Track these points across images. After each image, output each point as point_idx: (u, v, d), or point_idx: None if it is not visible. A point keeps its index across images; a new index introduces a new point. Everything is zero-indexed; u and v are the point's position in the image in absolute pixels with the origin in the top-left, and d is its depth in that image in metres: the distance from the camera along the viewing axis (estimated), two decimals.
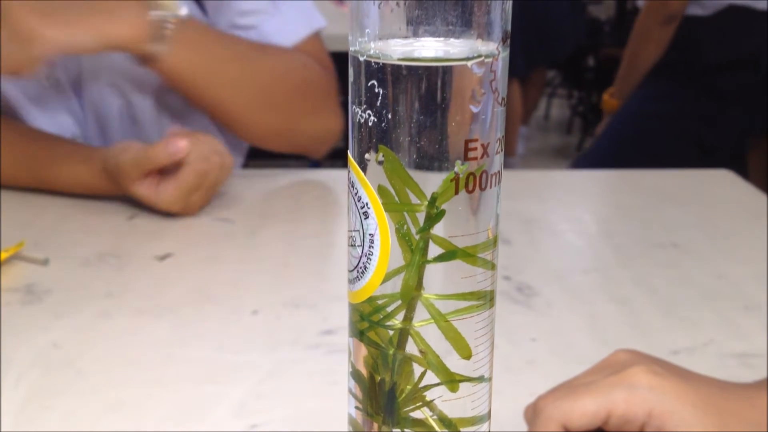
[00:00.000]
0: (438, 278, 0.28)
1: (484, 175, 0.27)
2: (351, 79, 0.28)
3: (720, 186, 0.96)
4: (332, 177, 0.98)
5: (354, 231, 0.29)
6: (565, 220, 0.84)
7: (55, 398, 0.50)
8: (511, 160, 3.31)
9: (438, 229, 0.27)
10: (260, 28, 0.90)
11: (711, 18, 1.70)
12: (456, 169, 0.27)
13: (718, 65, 1.69)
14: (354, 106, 0.27)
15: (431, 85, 0.26)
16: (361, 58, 0.27)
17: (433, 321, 0.28)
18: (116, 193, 0.81)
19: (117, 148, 0.79)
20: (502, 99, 0.27)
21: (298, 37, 0.92)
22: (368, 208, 0.28)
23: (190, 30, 0.81)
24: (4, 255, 0.69)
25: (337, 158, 3.27)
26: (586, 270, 0.71)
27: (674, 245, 0.77)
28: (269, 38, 0.90)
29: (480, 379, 0.30)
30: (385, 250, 0.28)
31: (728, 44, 1.69)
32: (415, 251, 0.28)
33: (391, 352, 0.29)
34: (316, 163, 3.19)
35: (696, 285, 0.68)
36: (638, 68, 1.83)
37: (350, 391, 0.31)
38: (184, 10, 0.79)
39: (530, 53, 3.30)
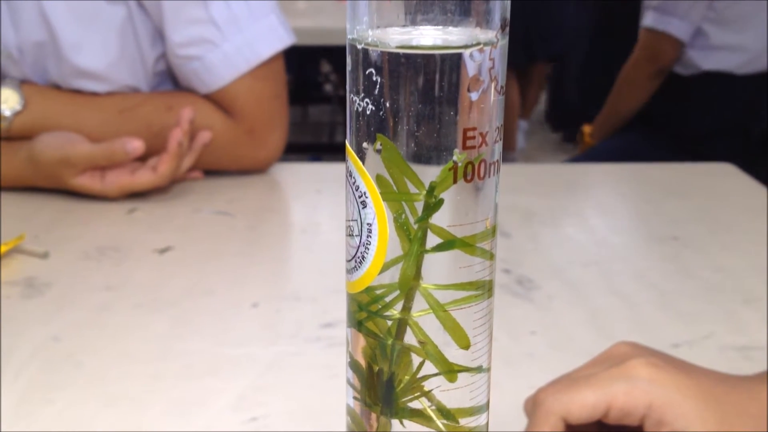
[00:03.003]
0: (436, 268, 0.28)
1: (482, 164, 0.27)
2: (349, 67, 0.27)
3: (720, 179, 0.95)
4: (332, 169, 0.98)
5: (352, 220, 0.29)
6: (565, 213, 0.84)
7: (55, 392, 0.50)
8: (511, 154, 3.31)
9: (436, 219, 0.27)
10: (204, 58, 0.86)
11: (693, 79, 1.68)
12: (454, 157, 0.26)
13: (703, 132, 1.67)
14: (352, 95, 0.27)
15: (429, 73, 0.26)
16: (359, 46, 0.26)
17: (431, 311, 0.28)
18: (40, 183, 0.84)
19: (45, 139, 0.82)
20: (501, 87, 0.27)
21: (248, 66, 0.87)
22: (366, 197, 0.28)
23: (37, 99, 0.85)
24: (4, 248, 0.69)
25: (337, 152, 3.28)
26: (586, 263, 0.71)
27: (674, 238, 0.77)
28: (213, 70, 0.86)
29: (478, 369, 0.30)
30: (383, 239, 0.28)
31: (712, 110, 1.67)
32: (414, 241, 0.27)
33: (389, 342, 0.29)
34: (316, 157, 3.20)
35: (696, 278, 0.68)
36: (620, 115, 1.82)
37: (348, 382, 0.31)
38: (20, 104, 0.84)
39: (531, 47, 3.29)
